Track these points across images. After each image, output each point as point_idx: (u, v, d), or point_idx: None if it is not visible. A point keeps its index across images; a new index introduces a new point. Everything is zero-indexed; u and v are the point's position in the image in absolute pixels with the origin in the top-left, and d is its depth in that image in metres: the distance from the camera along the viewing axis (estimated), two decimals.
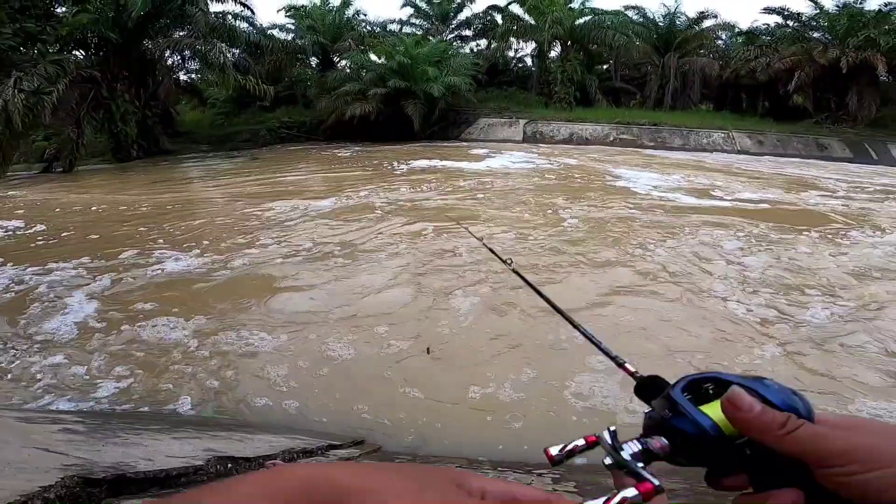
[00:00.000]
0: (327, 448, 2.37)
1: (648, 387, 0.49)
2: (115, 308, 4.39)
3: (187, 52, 17.80)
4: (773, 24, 21.30)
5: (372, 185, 10.23)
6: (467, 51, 25.99)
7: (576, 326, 0.70)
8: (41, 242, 6.86)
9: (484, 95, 22.15)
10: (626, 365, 0.56)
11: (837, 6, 19.10)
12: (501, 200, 8.73)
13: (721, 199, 9.17)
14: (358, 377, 3.33)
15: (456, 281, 4.85)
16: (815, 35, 19.85)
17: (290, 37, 22.63)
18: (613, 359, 0.59)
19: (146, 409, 2.97)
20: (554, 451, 0.40)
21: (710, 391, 0.43)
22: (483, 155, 15.12)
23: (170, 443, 1.66)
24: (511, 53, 26.43)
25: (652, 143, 18.15)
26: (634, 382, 0.51)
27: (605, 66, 25.97)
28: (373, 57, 20.55)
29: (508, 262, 1.09)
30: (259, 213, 8.11)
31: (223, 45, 16.57)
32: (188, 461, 1.37)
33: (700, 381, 0.44)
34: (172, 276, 5.22)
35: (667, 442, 0.40)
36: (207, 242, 6.42)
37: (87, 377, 3.30)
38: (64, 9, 15.42)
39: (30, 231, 7.50)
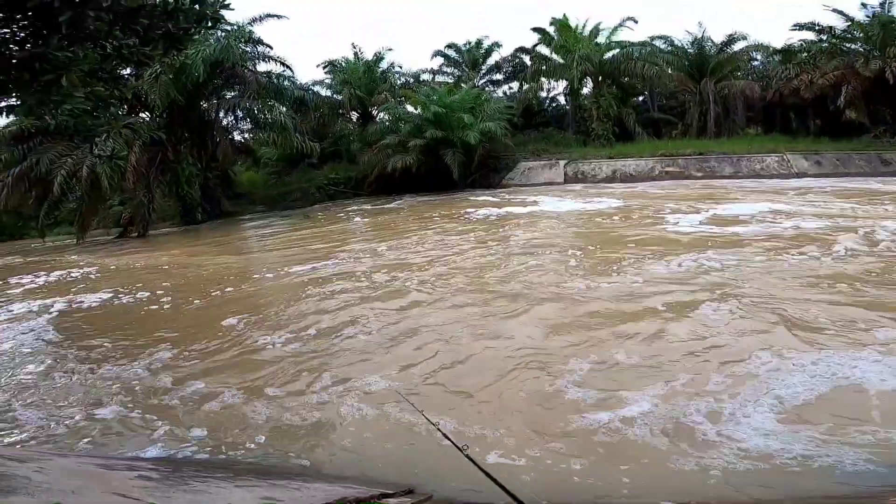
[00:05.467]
0: (380, 497, 2.39)
1: None
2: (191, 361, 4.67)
3: (240, 112, 18.44)
4: (807, 41, 20.51)
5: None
6: (500, 94, 26.39)
7: None
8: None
9: (521, 138, 22.05)
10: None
11: (867, 16, 18.39)
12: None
13: None
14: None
15: None
16: (853, 47, 19.00)
17: (329, 92, 23.34)
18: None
19: (219, 457, 3.10)
20: None
21: None
22: (528, 201, 14.63)
23: (232, 491, 1.74)
24: (543, 94, 26.57)
25: (700, 174, 17.56)
26: None
27: (640, 98, 25.75)
28: (409, 108, 21.06)
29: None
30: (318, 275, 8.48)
31: (276, 103, 16.99)
32: None
33: None
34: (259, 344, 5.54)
35: None
36: (280, 307, 6.76)
37: (160, 426, 3.49)
38: (128, 70, 16.61)
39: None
